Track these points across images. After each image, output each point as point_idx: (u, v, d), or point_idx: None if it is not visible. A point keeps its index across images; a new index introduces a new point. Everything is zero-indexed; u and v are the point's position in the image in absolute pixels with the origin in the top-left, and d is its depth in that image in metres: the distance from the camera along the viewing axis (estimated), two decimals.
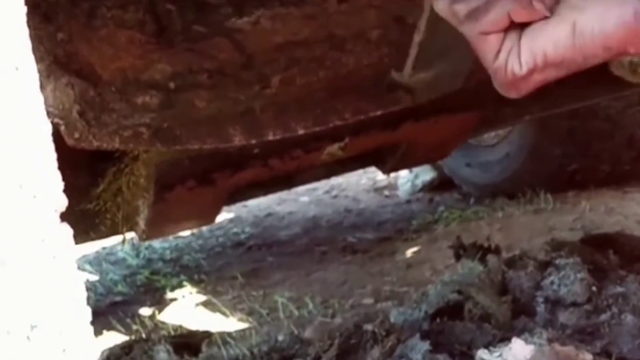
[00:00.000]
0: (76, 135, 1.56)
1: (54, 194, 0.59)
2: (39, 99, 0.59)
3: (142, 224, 2.07)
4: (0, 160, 0.57)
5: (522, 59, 0.91)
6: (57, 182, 0.59)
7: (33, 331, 0.59)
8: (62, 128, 1.54)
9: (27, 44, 0.58)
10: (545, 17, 0.90)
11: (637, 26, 0.85)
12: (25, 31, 0.58)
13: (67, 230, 0.61)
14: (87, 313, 0.61)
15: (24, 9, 0.57)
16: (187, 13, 1.66)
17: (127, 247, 3.84)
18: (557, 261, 1.89)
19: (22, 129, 0.58)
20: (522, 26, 0.92)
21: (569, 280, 1.83)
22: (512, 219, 3.17)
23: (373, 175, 4.41)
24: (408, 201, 4.07)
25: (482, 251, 2.14)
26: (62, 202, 0.61)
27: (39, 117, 0.59)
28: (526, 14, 0.90)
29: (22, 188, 0.57)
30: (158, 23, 1.64)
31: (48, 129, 0.60)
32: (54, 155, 0.60)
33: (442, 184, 4.01)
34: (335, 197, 4.41)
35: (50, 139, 0.59)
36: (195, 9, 1.67)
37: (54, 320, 0.60)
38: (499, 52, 0.92)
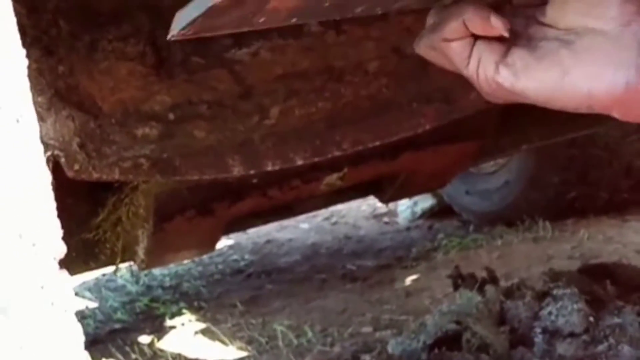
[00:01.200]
0: (76, 167, 1.57)
1: (52, 242, 0.60)
2: (39, 149, 0.60)
3: (141, 253, 2.07)
4: (0, 210, 0.58)
5: (501, 71, 0.89)
6: (56, 230, 0.61)
7: None
8: (62, 160, 1.55)
9: (28, 96, 0.60)
10: (502, 36, 0.88)
11: (626, 97, 0.83)
12: (26, 84, 0.59)
13: (65, 276, 0.62)
14: (85, 358, 0.62)
15: (26, 61, 0.59)
16: (186, 44, 1.67)
17: (126, 274, 3.84)
18: (555, 291, 1.90)
19: (22, 180, 0.59)
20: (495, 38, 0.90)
21: (567, 311, 1.83)
22: (511, 247, 3.17)
23: (373, 202, 4.41)
24: (408, 228, 4.07)
25: (480, 281, 2.15)
26: (61, 250, 0.62)
27: (39, 168, 0.60)
28: (481, 27, 0.89)
29: (22, 237, 0.58)
30: (158, 55, 1.66)
31: (48, 178, 0.62)
32: (53, 204, 0.61)
33: (441, 212, 4.01)
34: (335, 224, 4.41)
35: (50, 188, 0.60)
36: (194, 41, 1.68)
37: None
38: (468, 60, 0.92)
